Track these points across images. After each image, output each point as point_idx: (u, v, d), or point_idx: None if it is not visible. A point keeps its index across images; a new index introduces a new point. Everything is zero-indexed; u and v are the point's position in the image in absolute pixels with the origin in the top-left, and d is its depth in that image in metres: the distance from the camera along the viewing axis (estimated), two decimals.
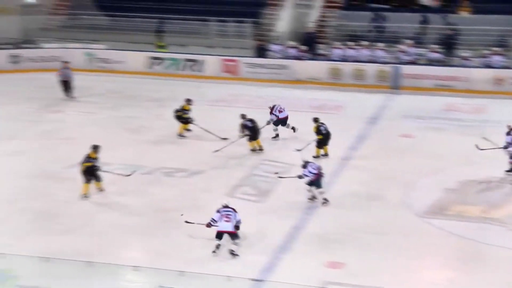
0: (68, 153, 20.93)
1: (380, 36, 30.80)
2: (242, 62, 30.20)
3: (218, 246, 15.32)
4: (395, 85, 28.66)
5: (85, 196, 18.19)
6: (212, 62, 30.29)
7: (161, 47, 31.61)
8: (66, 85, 27.35)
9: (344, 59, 29.63)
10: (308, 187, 17.94)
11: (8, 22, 33.88)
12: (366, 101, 27.34)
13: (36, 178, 19.17)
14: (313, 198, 18.00)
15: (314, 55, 30.51)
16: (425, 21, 31.19)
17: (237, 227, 15.57)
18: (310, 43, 30.87)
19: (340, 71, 29.27)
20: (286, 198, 18.23)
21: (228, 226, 15.39)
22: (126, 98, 26.99)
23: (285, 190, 18.70)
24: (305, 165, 17.92)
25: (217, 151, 21.39)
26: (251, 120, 21.58)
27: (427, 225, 16.89)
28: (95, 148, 18.36)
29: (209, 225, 15.61)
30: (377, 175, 19.75)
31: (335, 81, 29.21)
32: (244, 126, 21.48)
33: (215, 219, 15.54)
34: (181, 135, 22.86)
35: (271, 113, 22.64)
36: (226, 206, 15.69)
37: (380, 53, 29.55)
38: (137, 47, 31.94)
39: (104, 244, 15.80)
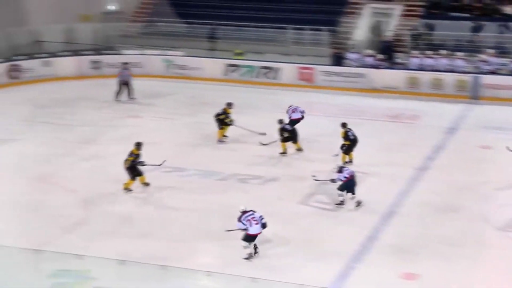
0: (145, 158, 21.26)
1: (460, 45, 30.27)
2: (318, 70, 30.17)
3: (250, 254, 15.46)
4: (474, 95, 28.13)
5: (128, 190, 18.98)
6: (287, 70, 30.36)
7: (239, 54, 31.86)
8: (126, 86, 28.11)
9: (421, 68, 29.27)
10: (340, 191, 17.98)
11: (90, 29, 34.83)
12: (444, 111, 26.94)
13: (114, 182, 19.57)
14: (341, 203, 18.04)
15: (392, 64, 30.25)
16: (507, 30, 30.51)
17: (263, 225, 15.56)
18: (387, 51, 30.62)
19: (417, 80, 28.93)
20: (360, 207, 18.09)
21: (258, 229, 15.49)
22: (202, 104, 27.28)
23: (358, 199, 18.55)
24: (340, 169, 18.11)
25: (264, 145, 22.04)
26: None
27: (506, 239, 16.51)
28: (138, 145, 19.10)
29: (240, 227, 15.51)
30: (454, 186, 19.43)
31: (412, 90, 28.88)
32: (283, 130, 21.75)
33: (241, 227, 15.45)
34: (220, 141, 23.13)
35: (287, 112, 22.99)
36: (245, 211, 15.65)
37: (459, 63, 29.06)
38: (214, 54, 32.30)
39: (179, 249, 16.00)
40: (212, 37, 33.33)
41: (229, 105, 23.34)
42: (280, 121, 21.94)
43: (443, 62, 29.28)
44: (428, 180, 20.01)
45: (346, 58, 30.60)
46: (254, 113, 26.04)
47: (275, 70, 30.44)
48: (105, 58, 31.30)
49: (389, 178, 20.11)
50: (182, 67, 31.29)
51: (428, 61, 29.43)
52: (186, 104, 27.57)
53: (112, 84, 28.53)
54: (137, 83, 28.38)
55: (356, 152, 21.46)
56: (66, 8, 35.27)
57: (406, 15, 32.90)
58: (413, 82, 28.98)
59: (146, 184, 19.32)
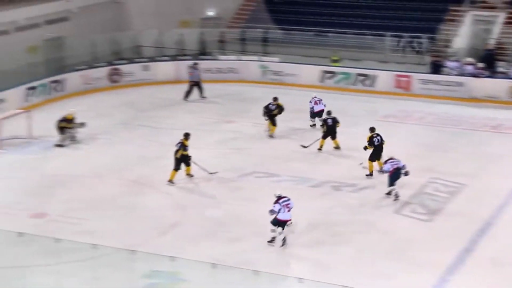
0: (240, 162, 21.52)
1: None
2: (415, 78, 29.70)
3: (274, 237, 16.31)
4: None
5: (172, 182, 19.90)
6: (384, 77, 30.02)
7: (335, 61, 31.73)
8: (196, 87, 28.88)
9: None
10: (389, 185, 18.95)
11: (189, 34, 35.45)
12: None
13: (209, 186, 19.81)
14: (394, 195, 18.85)
15: (493, 73, 29.47)
16: None
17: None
18: (489, 60, 29.85)
19: None
20: (456, 218, 17.74)
21: (289, 215, 16.27)
22: (296, 111, 27.26)
23: (455, 210, 18.22)
24: (385, 161, 19.05)
25: (305, 147, 22.57)
26: (333, 118, 22.48)
27: None
28: (187, 135, 20.15)
29: (272, 212, 16.20)
30: None
31: None
32: (325, 122, 22.44)
33: (275, 210, 16.18)
34: (272, 136, 23.91)
35: (310, 102, 23.90)
36: (281, 197, 16.34)
37: None
38: (311, 60, 32.29)
39: (271, 254, 16.07)
40: (306, 43, 33.38)
41: (276, 99, 24.46)
42: (328, 112, 22.76)
43: None
44: None
45: (445, 66, 30.00)
46: (349, 120, 25.88)
47: (372, 77, 30.15)
48: (202, 63, 31.71)
49: (488, 189, 19.61)
50: (277, 73, 31.40)
51: None
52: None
53: (209, 88, 28.93)
54: (233, 88, 28.69)
55: (453, 162, 21.10)
56: (167, 13, 36.06)
57: (510, 22, 32.00)
58: None
59: (191, 176, 20.21)
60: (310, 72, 31.08)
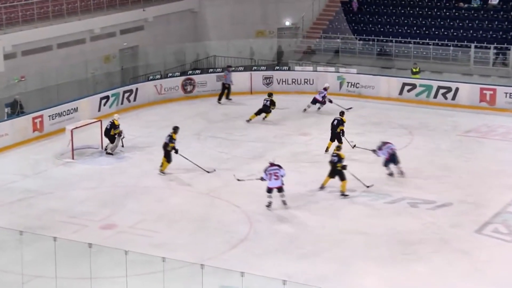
0: (313, 176, 21.45)
1: None
2: (501, 91, 29.06)
3: (270, 202, 19.22)
4: None
5: (163, 172, 21.86)
6: (467, 90, 29.45)
7: (416, 73, 31.37)
8: (227, 89, 30.10)
9: None
10: (384, 167, 21.24)
11: (264, 44, 35.69)
12: None
13: (279, 201, 19.84)
14: (391, 174, 21.36)
15: None
16: None
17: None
18: None
19: None
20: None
21: (277, 183, 19.04)
22: (373, 124, 27.06)
23: None
24: (380, 146, 21.35)
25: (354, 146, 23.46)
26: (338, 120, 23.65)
27: None
28: (176, 129, 22.28)
29: (262, 179, 19.21)
30: None
31: None
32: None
33: (264, 178, 19.13)
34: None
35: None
36: (272, 164, 19.15)
37: None
38: (390, 72, 32.05)
39: (343, 270, 15.99)
40: (386, 54, 33.20)
41: (270, 95, 27.48)
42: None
43: None
44: None
45: None
46: (427, 134, 25.61)
47: (454, 90, 29.64)
48: (276, 74, 31.82)
49: None
50: (355, 84, 31.21)
51: None
52: (356, 123, 27.26)
53: (283, 99, 28.96)
54: (308, 101, 28.57)
55: None
56: (243, 23, 36.43)
57: None
58: None
59: (163, 173, 21.96)
60: (388, 84, 30.79)
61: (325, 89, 28.46)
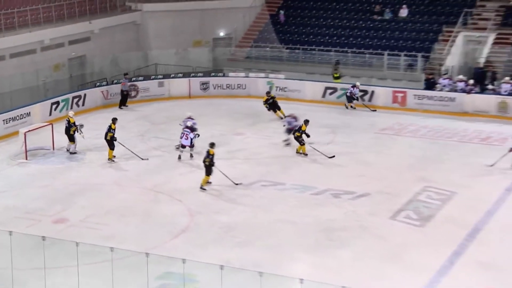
0: (246, 171, 21.59)
1: None
2: (410, 93, 29.72)
3: (179, 156, 22.71)
4: None
5: (113, 160, 22.63)
6: (382, 93, 30.03)
7: (337, 78, 31.79)
8: (126, 96, 29.72)
9: None
10: (286, 135, 23.69)
11: (201, 53, 35.66)
12: None
13: (218, 193, 19.88)
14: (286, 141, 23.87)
15: (483, 89, 29.47)
16: None
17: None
18: (479, 77, 29.88)
19: (507, 105, 28.08)
20: (447, 224, 17.75)
21: (186, 142, 22.46)
22: None
23: (446, 216, 18.24)
24: (288, 116, 24.29)
25: (330, 157, 22.97)
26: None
27: None
28: (114, 120, 22.92)
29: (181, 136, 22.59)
30: None
31: (502, 115, 28.03)
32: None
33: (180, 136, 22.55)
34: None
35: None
36: (190, 118, 23.53)
37: None
38: (314, 77, 32.41)
39: (275, 257, 16.14)
40: (312, 62, 33.57)
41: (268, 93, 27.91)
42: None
43: None
44: None
45: (438, 83, 30.01)
46: (348, 132, 26.01)
47: (370, 93, 30.15)
48: (212, 80, 31.84)
49: (477, 197, 19.63)
50: (283, 88, 31.45)
51: None
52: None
53: (219, 103, 28.96)
54: (241, 104, 28.70)
55: (445, 172, 21.18)
56: (182, 34, 36.32)
57: (498, 43, 32.03)
58: (503, 107, 28.14)
59: (112, 161, 22.57)
60: (313, 88, 31.14)
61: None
